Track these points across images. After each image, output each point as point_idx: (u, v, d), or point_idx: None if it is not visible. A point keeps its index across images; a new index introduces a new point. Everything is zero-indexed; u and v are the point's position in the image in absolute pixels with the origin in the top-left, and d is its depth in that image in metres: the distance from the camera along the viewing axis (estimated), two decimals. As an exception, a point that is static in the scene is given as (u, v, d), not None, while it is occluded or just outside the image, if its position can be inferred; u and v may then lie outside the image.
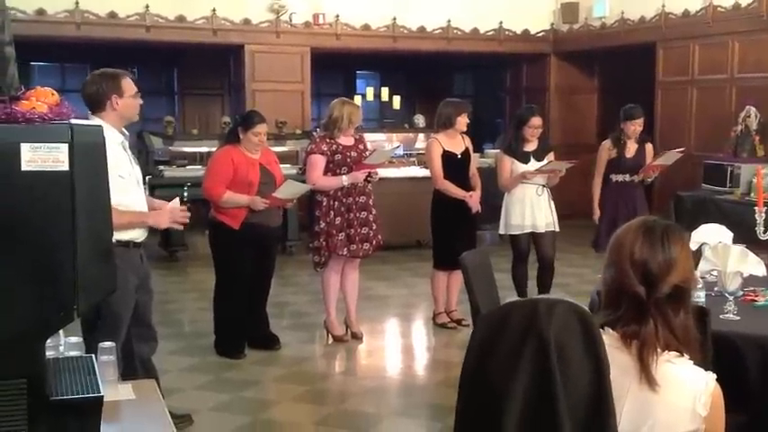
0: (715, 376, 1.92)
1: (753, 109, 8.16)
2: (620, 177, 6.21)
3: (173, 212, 3.87)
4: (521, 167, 5.90)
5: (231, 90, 11.86)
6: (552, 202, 6.01)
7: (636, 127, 6.17)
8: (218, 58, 11.50)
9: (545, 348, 1.21)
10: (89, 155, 1.87)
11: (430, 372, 5.28)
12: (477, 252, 4.46)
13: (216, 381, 4.91)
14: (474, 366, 1.32)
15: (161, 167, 8.75)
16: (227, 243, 5.17)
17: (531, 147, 5.96)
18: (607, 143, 6.29)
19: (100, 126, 2.19)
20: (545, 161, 5.96)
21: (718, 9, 8.77)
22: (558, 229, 6.06)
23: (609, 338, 1.96)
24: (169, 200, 4.13)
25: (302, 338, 5.81)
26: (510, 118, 12.45)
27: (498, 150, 10.09)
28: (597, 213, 6.26)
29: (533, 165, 5.91)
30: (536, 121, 5.92)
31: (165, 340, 4.91)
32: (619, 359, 1.92)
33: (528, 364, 1.22)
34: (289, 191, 5.26)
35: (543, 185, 5.94)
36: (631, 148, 6.22)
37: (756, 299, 3.51)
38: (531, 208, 5.91)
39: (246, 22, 10.01)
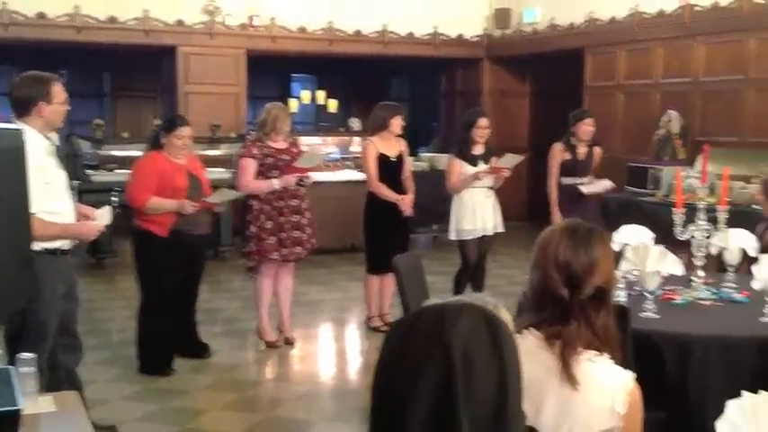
0: (634, 375, 1.96)
1: (674, 113, 8.39)
2: (570, 180, 6.26)
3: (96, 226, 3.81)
4: (470, 170, 5.93)
5: (164, 92, 11.69)
6: (498, 204, 6.05)
7: (587, 127, 6.24)
8: (151, 59, 11.31)
9: (449, 357, 1.23)
10: (7, 160, 1.83)
11: (363, 376, 5.27)
12: (410, 255, 4.49)
13: (143, 391, 4.82)
14: (382, 375, 1.34)
15: (89, 172, 8.54)
16: (154, 253, 4.95)
17: (479, 150, 5.99)
18: (559, 145, 6.32)
19: (19, 130, 2.14)
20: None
21: (644, 16, 9.00)
22: (503, 230, 6.11)
23: (534, 339, 2.00)
24: (96, 206, 4.06)
25: (234, 345, 5.75)
26: (441, 122, 12.64)
27: (433, 154, 10.29)
28: (559, 215, 6.19)
29: (482, 168, 5.93)
30: (483, 122, 5.97)
31: (90, 350, 4.82)
32: (543, 359, 1.97)
33: (431, 371, 1.24)
34: (220, 197, 5.19)
35: (490, 187, 5.99)
36: (582, 152, 6.30)
37: (674, 297, 3.62)
38: (481, 211, 5.93)
39: (180, 23, 9.88)
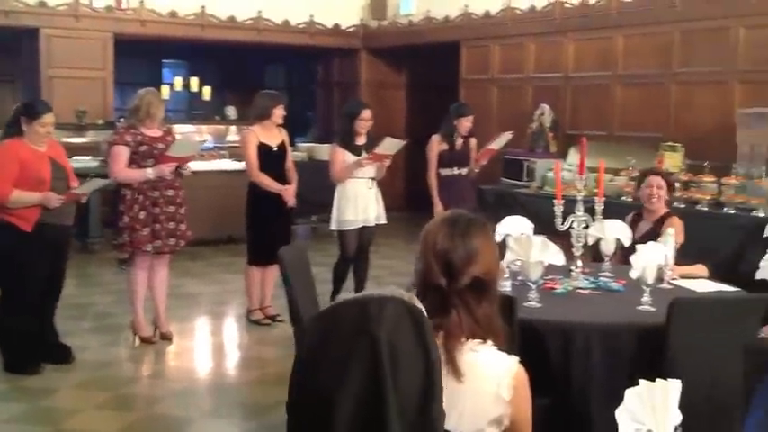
0: (518, 359, 1.96)
1: (546, 107, 8.67)
2: (448, 171, 6.44)
3: None
4: (353, 159, 5.90)
5: (24, 76, 11.03)
6: (380, 195, 6.06)
7: (468, 124, 6.48)
8: (10, 41, 10.65)
9: (376, 349, 1.19)
10: None
11: (243, 370, 5.16)
12: (295, 247, 4.41)
13: (10, 390, 4.53)
14: (304, 370, 1.28)
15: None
16: (16, 248, 4.60)
17: (361, 141, 5.98)
18: (437, 137, 6.50)
19: None
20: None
21: (516, 11, 9.24)
22: (385, 222, 6.12)
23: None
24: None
25: (106, 341, 5.48)
26: (319, 112, 12.57)
27: (312, 144, 10.20)
28: (440, 205, 6.32)
29: (365, 156, 5.92)
30: (367, 113, 5.97)
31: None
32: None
33: (359, 365, 1.20)
34: (89, 187, 4.92)
35: (372, 178, 5.97)
36: (458, 142, 6.50)
37: (555, 287, 3.71)
38: (363, 202, 5.92)
39: (42, 4, 9.39)
